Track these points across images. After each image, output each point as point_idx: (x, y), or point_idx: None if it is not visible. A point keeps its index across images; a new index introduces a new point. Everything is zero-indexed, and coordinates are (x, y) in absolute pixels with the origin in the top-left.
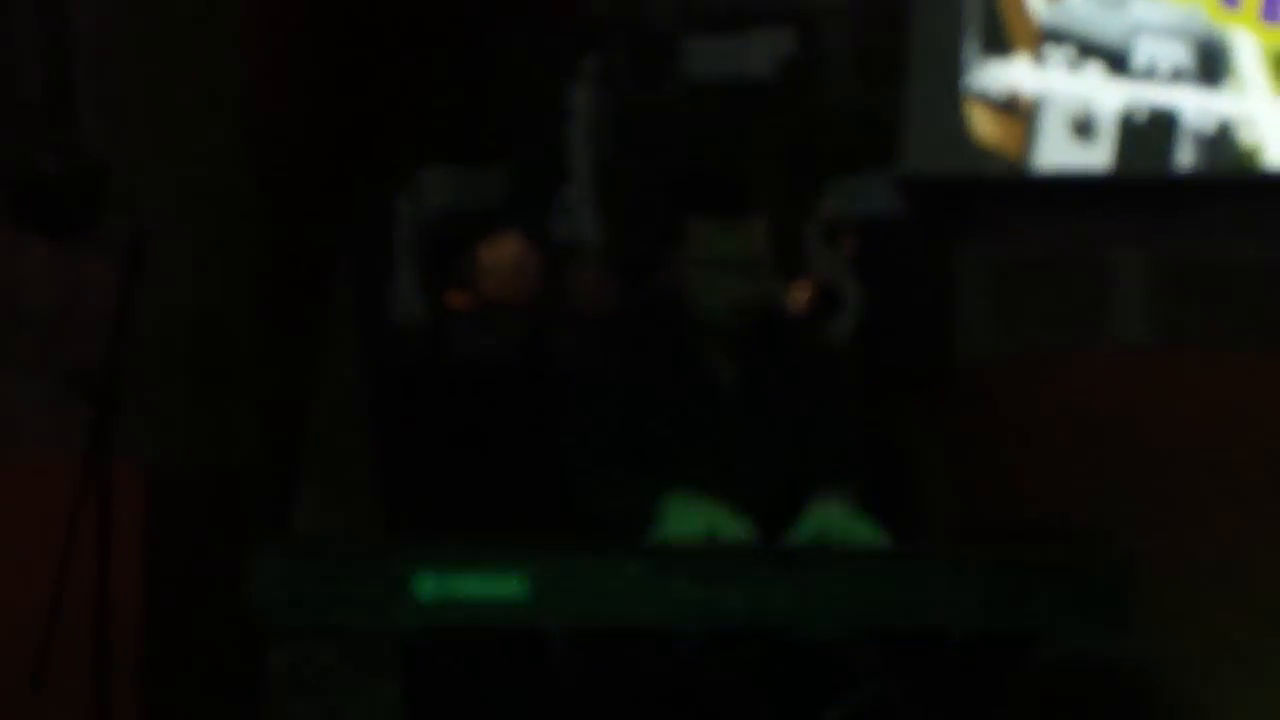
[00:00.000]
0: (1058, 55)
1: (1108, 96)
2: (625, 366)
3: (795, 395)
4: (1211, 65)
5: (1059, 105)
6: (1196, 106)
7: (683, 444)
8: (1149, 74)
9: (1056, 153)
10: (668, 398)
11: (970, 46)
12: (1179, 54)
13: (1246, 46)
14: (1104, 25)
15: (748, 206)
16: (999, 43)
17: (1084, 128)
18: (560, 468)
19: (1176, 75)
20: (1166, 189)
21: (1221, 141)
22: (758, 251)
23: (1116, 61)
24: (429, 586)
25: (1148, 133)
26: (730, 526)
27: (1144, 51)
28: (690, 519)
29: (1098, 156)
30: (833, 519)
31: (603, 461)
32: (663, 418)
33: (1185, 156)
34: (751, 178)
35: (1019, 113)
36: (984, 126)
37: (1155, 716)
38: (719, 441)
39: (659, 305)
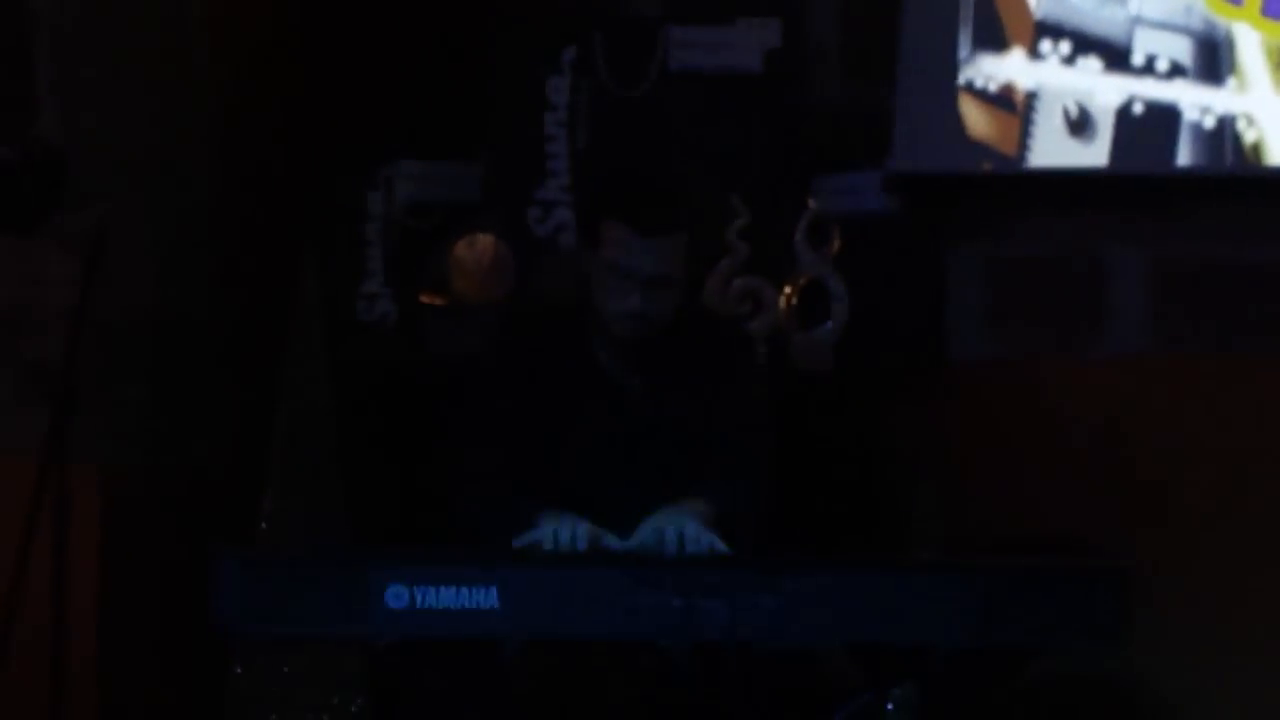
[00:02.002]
0: (1054, 49)
1: (1105, 92)
2: (524, 376)
3: (700, 405)
4: (1212, 61)
5: (1055, 100)
6: (1196, 103)
7: (585, 458)
8: (1148, 69)
9: (1052, 149)
10: (567, 412)
11: (964, 39)
12: (1179, 49)
13: (1248, 42)
14: (1102, 18)
15: (669, 222)
16: (993, 35)
17: (1080, 124)
18: (446, 478)
19: (1176, 70)
20: (1165, 187)
21: (1222, 139)
22: (672, 269)
23: (1114, 56)
24: (400, 596)
25: (1146, 129)
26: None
27: (1143, 46)
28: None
29: (1094, 153)
30: (669, 528)
31: (487, 478)
32: (562, 433)
33: (1184, 154)
34: (679, 193)
35: (1013, 108)
36: (977, 122)
37: None
38: (621, 450)
39: (569, 309)
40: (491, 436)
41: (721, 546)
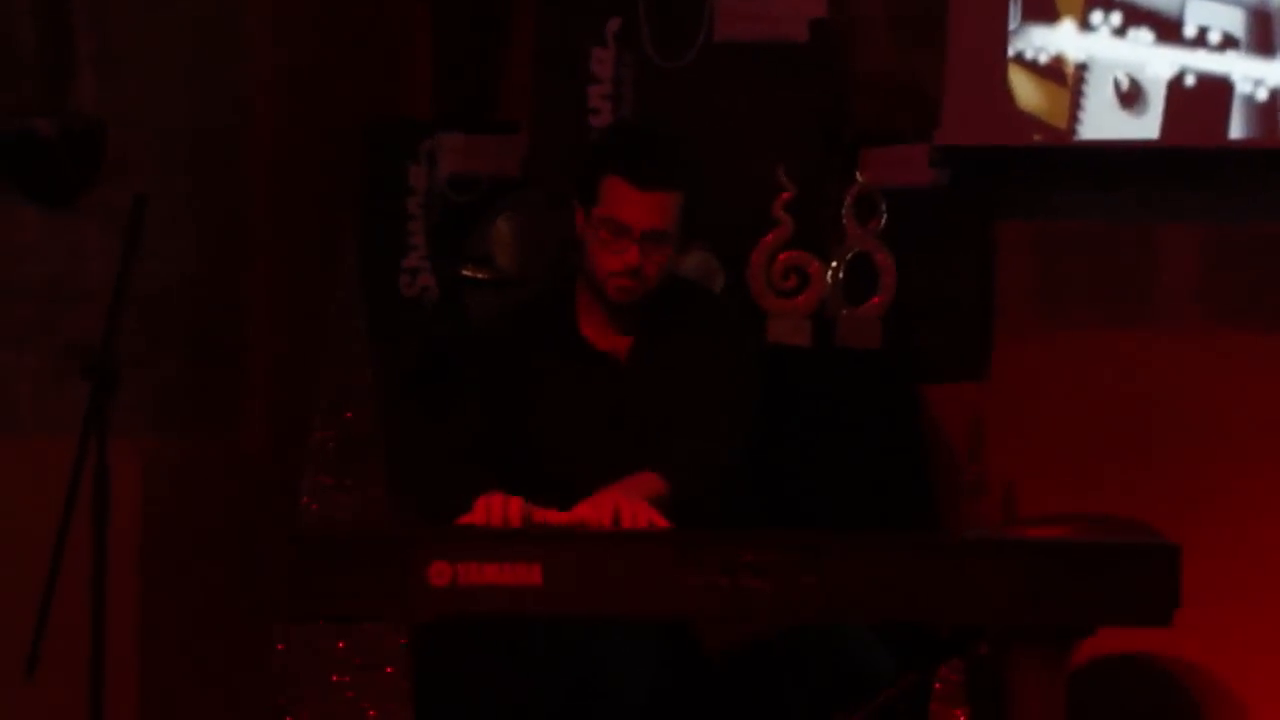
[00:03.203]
0: (1105, 20)
1: (1157, 63)
2: (503, 357)
3: (688, 370)
4: (1265, 32)
5: (1106, 72)
6: (1249, 75)
7: (571, 426)
8: (1200, 40)
9: (1103, 122)
10: (553, 381)
11: (1013, 9)
12: (1231, 20)
13: None
14: None
15: (666, 176)
16: (1043, 6)
17: (1131, 96)
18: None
19: (1228, 42)
20: (1217, 160)
21: (1275, 111)
22: (669, 225)
23: (1166, 27)
24: (443, 573)
25: (1198, 101)
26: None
27: (1195, 17)
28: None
29: (1146, 126)
30: (607, 502)
31: (457, 461)
32: (548, 402)
33: (1237, 126)
34: (679, 151)
35: (1064, 80)
36: (1027, 94)
37: (1200, 710)
38: (609, 421)
39: (552, 285)
40: (464, 411)
41: (661, 523)
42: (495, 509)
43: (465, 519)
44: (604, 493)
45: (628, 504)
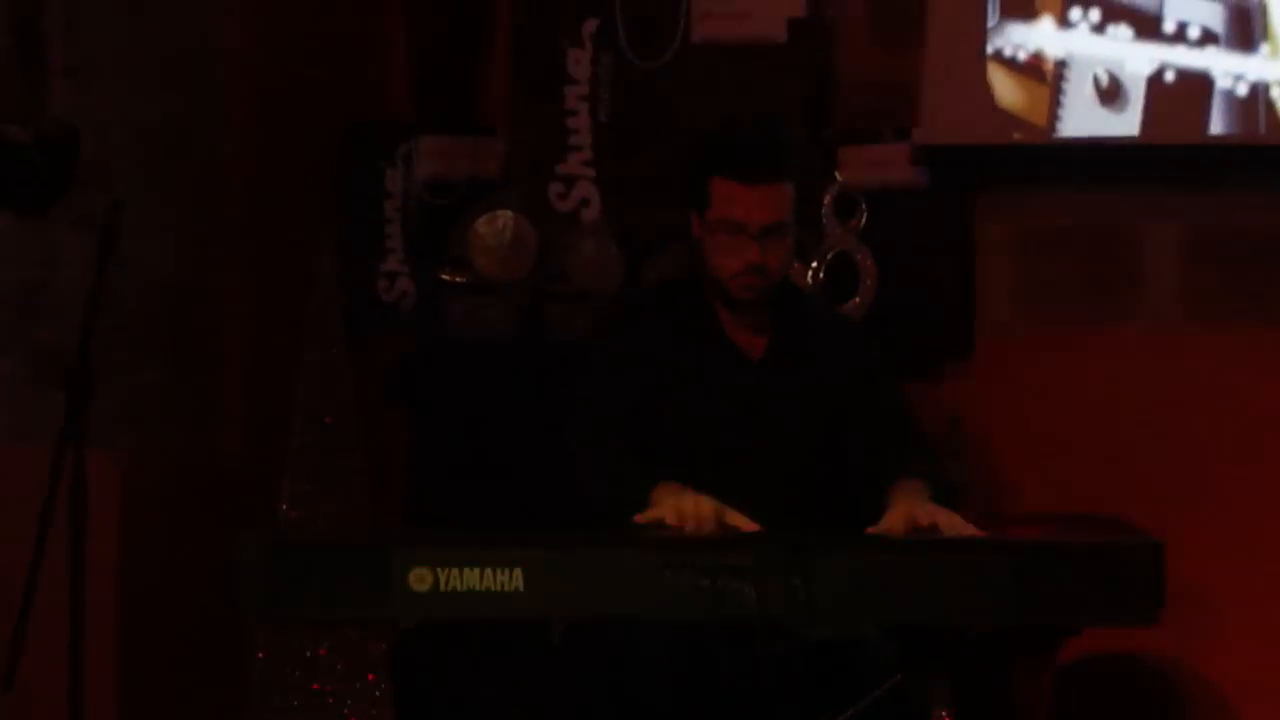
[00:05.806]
0: (1084, 16)
1: (1136, 60)
2: (642, 345)
3: (825, 368)
4: (1244, 27)
5: (1085, 69)
6: (1229, 70)
7: (707, 421)
8: (1179, 36)
9: (1082, 119)
10: (690, 375)
11: (991, 7)
12: (1210, 15)
13: None
14: None
15: (773, 169)
16: (1022, 3)
17: (1111, 93)
18: (567, 454)
19: (1208, 38)
20: (1197, 156)
21: (1255, 107)
22: (784, 216)
23: (1145, 23)
24: (424, 579)
25: (1178, 98)
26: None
27: (1174, 13)
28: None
29: (1126, 123)
30: (924, 511)
31: (609, 450)
32: (684, 395)
33: (1217, 122)
34: (780, 141)
35: (1043, 77)
36: (1006, 91)
37: (1181, 706)
38: (745, 417)
39: (681, 279)
40: (615, 404)
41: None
42: (688, 511)
43: (649, 516)
44: (908, 505)
45: (944, 516)
